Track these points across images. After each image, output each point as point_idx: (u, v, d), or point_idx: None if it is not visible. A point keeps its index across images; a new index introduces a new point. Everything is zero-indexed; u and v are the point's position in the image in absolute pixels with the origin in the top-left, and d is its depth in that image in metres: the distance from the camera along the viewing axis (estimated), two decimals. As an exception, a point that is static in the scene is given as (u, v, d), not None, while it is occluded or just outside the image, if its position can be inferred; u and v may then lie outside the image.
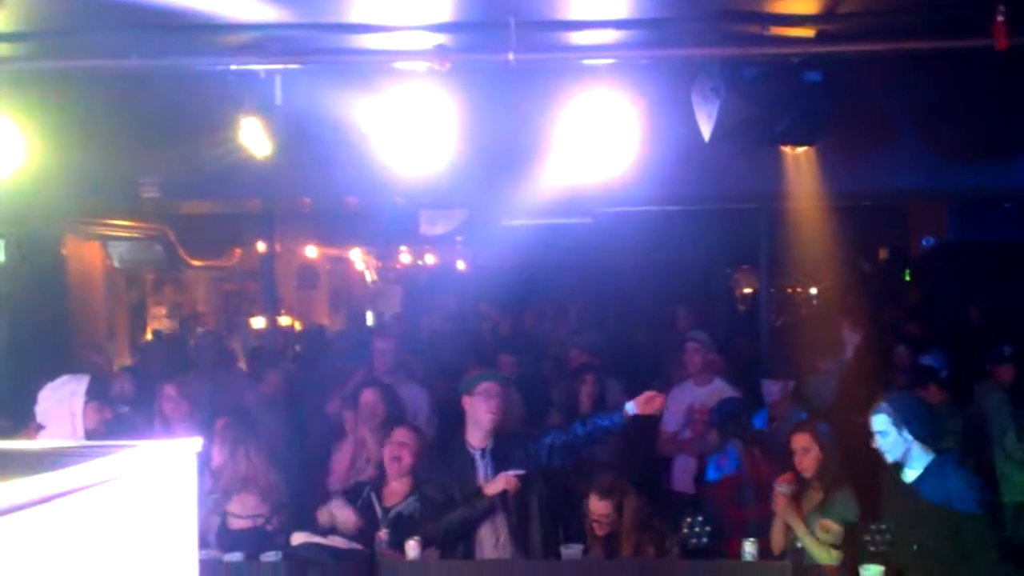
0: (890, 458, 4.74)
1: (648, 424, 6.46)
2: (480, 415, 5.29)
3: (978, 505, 4.54)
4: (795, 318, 13.17)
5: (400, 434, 5.70)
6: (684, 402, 7.24)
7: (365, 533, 5.43)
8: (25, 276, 10.26)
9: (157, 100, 5.88)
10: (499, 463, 5.27)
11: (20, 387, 7.06)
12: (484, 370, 5.73)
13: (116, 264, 12.83)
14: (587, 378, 6.91)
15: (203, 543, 5.39)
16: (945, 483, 4.60)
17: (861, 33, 4.97)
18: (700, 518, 5.06)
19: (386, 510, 5.57)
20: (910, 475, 4.71)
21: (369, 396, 6.43)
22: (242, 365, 10.93)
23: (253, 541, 5.35)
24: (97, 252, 12.63)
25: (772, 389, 6.90)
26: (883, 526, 4.72)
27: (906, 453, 4.69)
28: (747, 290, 16.23)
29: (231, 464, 5.70)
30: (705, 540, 5.03)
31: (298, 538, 5.17)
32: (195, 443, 3.12)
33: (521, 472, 5.16)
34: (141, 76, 5.43)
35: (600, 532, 5.28)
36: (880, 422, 4.74)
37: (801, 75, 5.01)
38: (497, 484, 5.15)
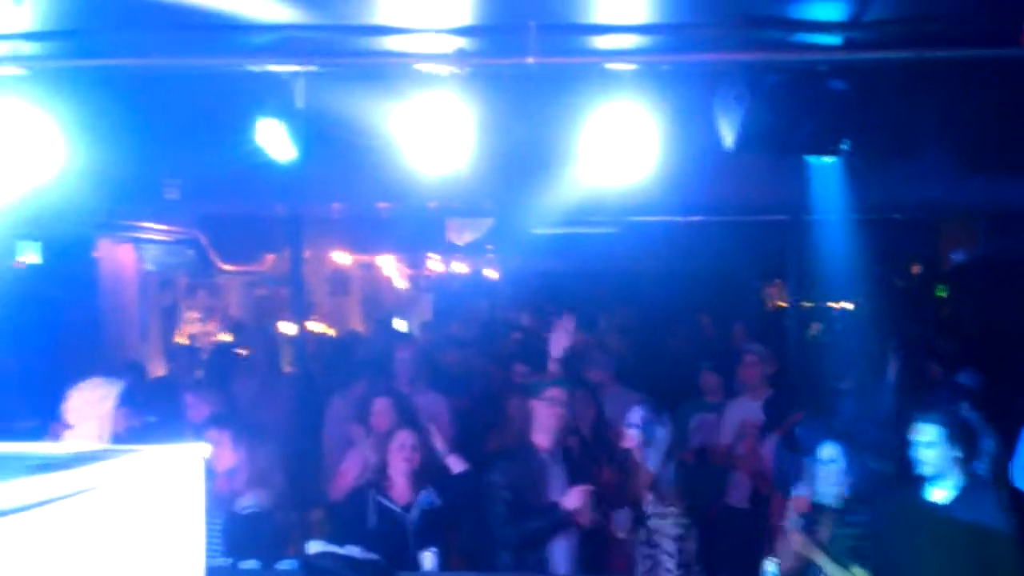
0: (927, 471, 4.59)
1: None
2: (546, 420, 5.34)
3: (1009, 527, 4.40)
4: (826, 333, 12.98)
5: (405, 436, 5.64)
6: (738, 416, 7.11)
7: (382, 536, 5.36)
8: (59, 278, 10.34)
9: (181, 101, 5.87)
10: (571, 468, 5.29)
11: (52, 387, 7.10)
12: (548, 376, 5.73)
13: (149, 267, 12.90)
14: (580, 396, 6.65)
15: (217, 548, 5.38)
16: (978, 504, 4.46)
17: (888, 41, 4.85)
18: None
19: (405, 508, 5.49)
20: (939, 494, 4.56)
21: (381, 405, 6.41)
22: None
23: (259, 528, 5.32)
24: (130, 255, 12.70)
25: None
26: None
27: (945, 470, 4.54)
28: (780, 304, 16.03)
29: (249, 464, 5.68)
30: None
31: (315, 547, 5.12)
32: (203, 449, 3.10)
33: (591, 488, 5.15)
34: (166, 77, 5.41)
35: None
36: (930, 432, 4.58)
37: (826, 83, 4.90)
38: (573, 498, 5.15)
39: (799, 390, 7.38)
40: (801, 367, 8.26)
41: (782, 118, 4.93)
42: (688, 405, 7.52)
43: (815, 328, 10.92)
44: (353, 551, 5.12)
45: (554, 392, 5.39)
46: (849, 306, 12.52)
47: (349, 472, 6.26)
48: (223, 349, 11.23)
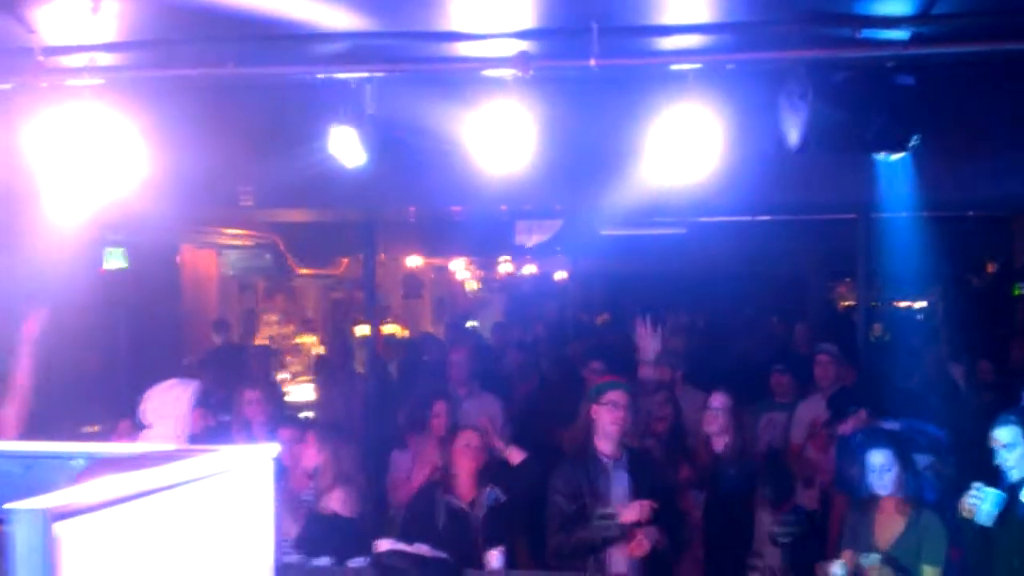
0: (1016, 475, 4.45)
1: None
2: (607, 425, 5.23)
3: None
4: (896, 333, 12.69)
5: (469, 435, 5.65)
6: (808, 417, 6.97)
7: (450, 534, 5.37)
8: (143, 282, 10.57)
9: (255, 109, 5.96)
10: (633, 475, 5.20)
11: (136, 389, 7.25)
12: (611, 379, 5.61)
13: (228, 272, 13.13)
14: (658, 398, 6.61)
15: (292, 545, 5.45)
16: None
17: (957, 34, 4.73)
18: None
19: (470, 505, 5.51)
20: None
21: (439, 408, 6.43)
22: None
23: (343, 532, 5.36)
24: (211, 260, 12.95)
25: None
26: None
27: None
28: (851, 304, 15.74)
29: (334, 463, 5.73)
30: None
31: (383, 545, 5.15)
32: (273, 448, 3.15)
33: (654, 504, 5.03)
34: (240, 86, 5.49)
35: None
36: (1007, 434, 4.44)
37: (893, 79, 4.78)
38: (632, 512, 5.04)
39: (866, 390, 7.20)
40: (870, 367, 8.06)
41: (849, 115, 4.84)
42: (758, 405, 7.42)
43: (879, 329, 10.68)
44: (422, 549, 5.15)
45: (615, 396, 5.28)
46: (921, 305, 12.25)
47: (412, 475, 6.31)
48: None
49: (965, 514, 4.50)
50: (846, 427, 6.07)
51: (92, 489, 2.41)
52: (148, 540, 2.56)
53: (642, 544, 5.00)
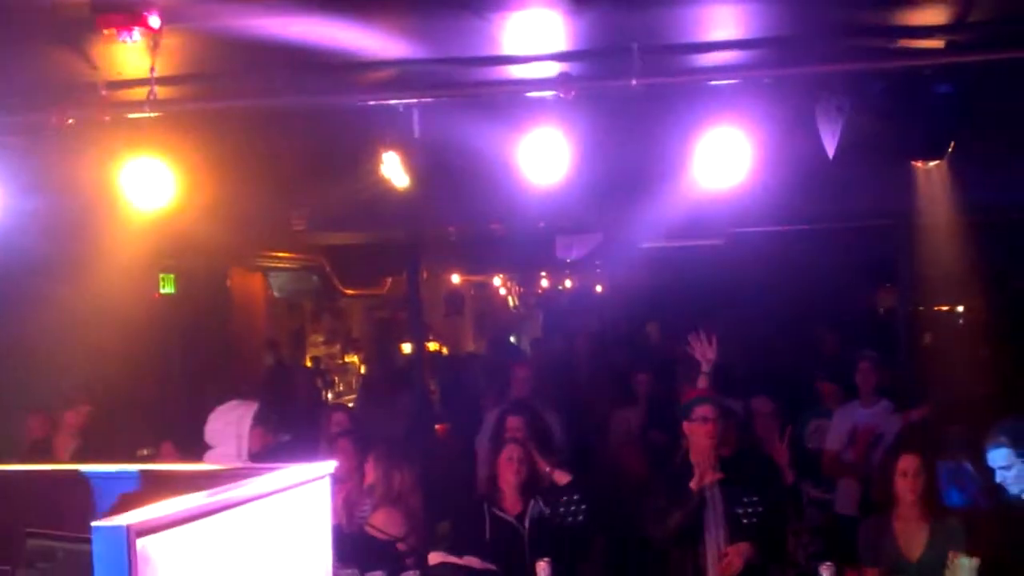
0: (1014, 491, 4.41)
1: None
2: (700, 440, 5.12)
3: None
4: (939, 340, 12.54)
5: (512, 449, 5.66)
6: (848, 423, 6.92)
7: (499, 546, 5.39)
8: (193, 306, 10.70)
9: (304, 136, 6.03)
10: (727, 489, 5.06)
11: (188, 411, 7.35)
12: (699, 393, 5.50)
13: (276, 294, 13.26)
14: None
15: (346, 558, 5.50)
16: None
17: (992, 41, 4.70)
18: None
19: (518, 518, 5.52)
20: None
21: (514, 421, 6.39)
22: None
23: (386, 557, 5.39)
24: (259, 283, 13.09)
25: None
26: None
27: None
28: (891, 309, 15.54)
29: (384, 483, 5.77)
30: None
31: (434, 558, 5.19)
32: (328, 466, 3.21)
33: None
34: (291, 114, 5.57)
35: None
36: (1001, 457, 4.41)
37: (931, 87, 4.76)
38: (736, 558, 4.94)
39: (911, 397, 7.14)
40: (913, 373, 7.99)
41: (887, 125, 4.82)
42: (806, 412, 7.40)
43: (929, 336, 10.56)
44: (471, 561, 5.17)
45: (704, 410, 5.15)
46: (963, 310, 12.12)
47: None
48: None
49: None
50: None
51: (171, 506, 2.47)
52: (220, 555, 2.61)
53: (733, 564, 4.94)
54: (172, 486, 2.78)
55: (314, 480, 3.17)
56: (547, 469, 5.80)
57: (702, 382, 5.71)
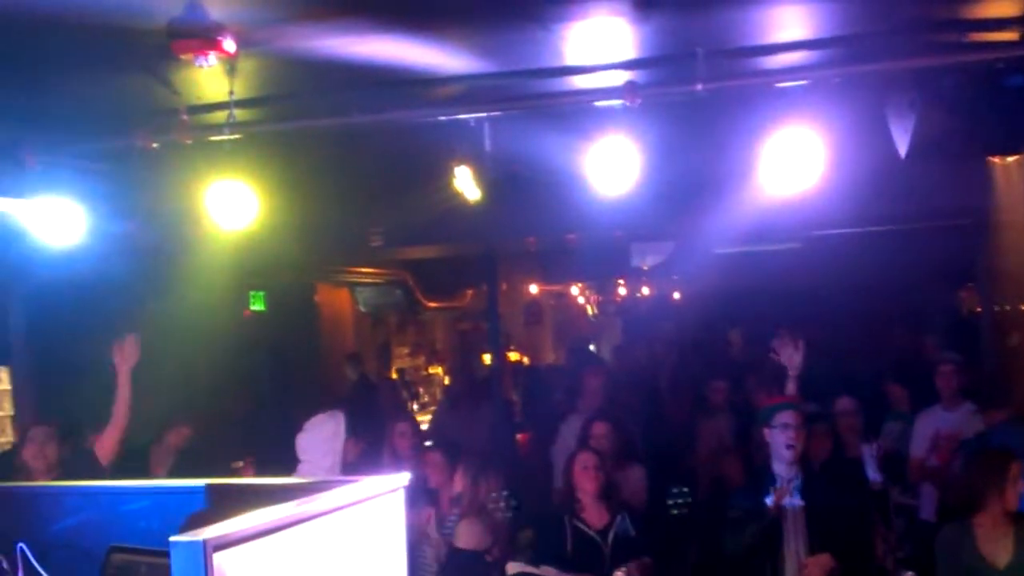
0: None
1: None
2: (781, 448, 4.94)
3: None
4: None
5: (586, 457, 5.55)
6: (931, 428, 6.64)
7: (579, 558, 5.30)
8: (282, 322, 10.85)
9: (378, 154, 6.06)
10: (809, 497, 4.89)
11: (280, 424, 7.42)
12: (779, 400, 5.32)
13: (362, 308, 13.38)
14: (818, 429, 6.17)
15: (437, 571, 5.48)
16: None
17: (1069, 31, 4.49)
18: None
19: (601, 533, 5.42)
20: None
21: (600, 428, 6.27)
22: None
23: (473, 568, 5.34)
24: (346, 298, 13.23)
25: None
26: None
27: None
28: (977, 310, 15.05)
29: (471, 492, 5.73)
30: None
31: (512, 568, 5.13)
32: (403, 478, 3.18)
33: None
34: (365, 132, 5.58)
35: None
36: None
37: (1004, 80, 4.56)
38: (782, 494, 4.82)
39: (994, 399, 6.85)
40: (997, 374, 7.68)
41: (961, 120, 4.63)
42: (882, 414, 7.16)
43: (1015, 334, 10.17)
44: (549, 572, 5.09)
45: (786, 417, 4.96)
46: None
47: None
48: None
49: None
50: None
51: (247, 521, 2.46)
52: (296, 568, 2.60)
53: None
54: (250, 500, 2.78)
55: (388, 492, 3.15)
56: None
57: (790, 387, 5.52)
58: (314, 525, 2.70)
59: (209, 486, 3.48)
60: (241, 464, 6.95)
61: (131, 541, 2.92)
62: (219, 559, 2.30)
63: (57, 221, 5.42)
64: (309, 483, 3.27)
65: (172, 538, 2.31)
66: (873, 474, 5.62)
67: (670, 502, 5.11)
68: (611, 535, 5.36)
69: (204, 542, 2.30)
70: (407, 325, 15.26)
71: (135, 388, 7.59)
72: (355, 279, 12.49)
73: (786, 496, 4.82)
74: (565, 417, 7.48)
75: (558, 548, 5.38)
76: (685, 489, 5.14)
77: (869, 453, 5.81)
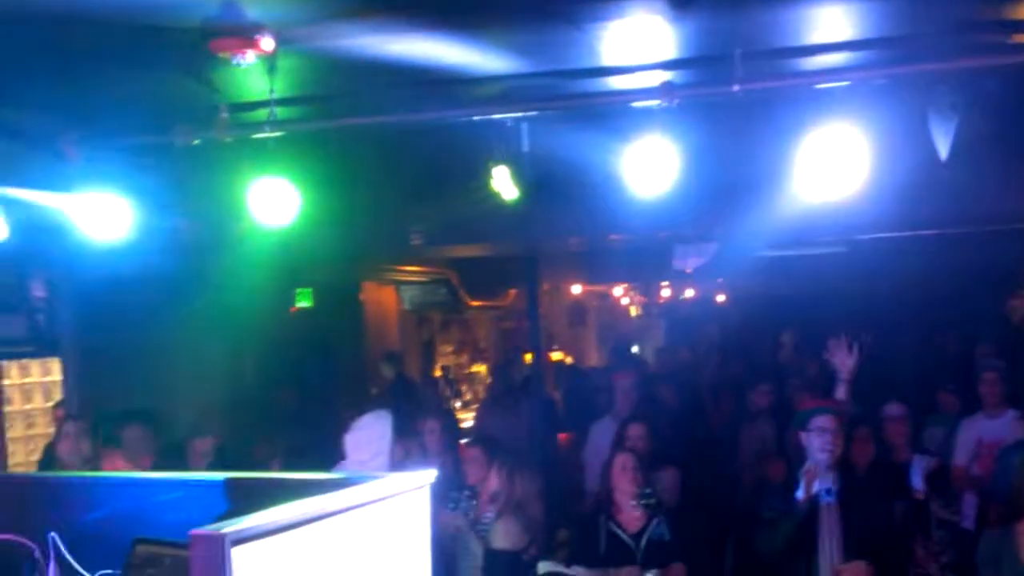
0: None
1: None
2: (817, 452, 4.82)
3: None
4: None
5: (625, 458, 5.51)
6: (974, 435, 6.53)
7: (610, 561, 5.25)
8: (327, 320, 10.91)
9: (419, 153, 6.05)
10: (846, 500, 4.78)
11: (327, 421, 7.47)
12: (817, 404, 5.19)
13: (407, 306, 13.42)
14: (859, 434, 6.01)
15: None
16: None
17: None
18: None
19: (635, 536, 5.36)
20: None
21: (636, 430, 6.25)
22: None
23: (511, 567, 5.32)
24: (391, 296, 13.27)
25: None
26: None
27: None
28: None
29: (507, 490, 5.71)
30: None
31: (543, 567, 5.11)
32: (430, 474, 3.17)
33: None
34: (404, 131, 5.58)
35: None
36: None
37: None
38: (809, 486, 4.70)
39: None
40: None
41: (1004, 122, 4.51)
42: (925, 421, 7.02)
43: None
44: (579, 572, 5.06)
45: (823, 421, 4.84)
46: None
47: None
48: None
49: None
50: None
51: (267, 516, 2.46)
52: (316, 564, 2.59)
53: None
54: (274, 495, 2.78)
55: (414, 489, 3.13)
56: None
57: (840, 391, 5.41)
58: (336, 521, 2.69)
59: (245, 480, 3.49)
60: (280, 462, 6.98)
61: (159, 533, 2.94)
62: (238, 553, 2.31)
63: (104, 216, 5.46)
64: (333, 479, 3.26)
65: (192, 531, 2.32)
66: (917, 483, 5.50)
67: (642, 502, 5.09)
68: (645, 538, 5.32)
69: (223, 536, 2.30)
70: (451, 323, 15.29)
71: (180, 381, 7.71)
72: (400, 277, 12.53)
73: (815, 481, 4.68)
74: (597, 418, 7.44)
75: (591, 549, 5.35)
76: (648, 490, 5.17)
77: (920, 464, 5.70)
